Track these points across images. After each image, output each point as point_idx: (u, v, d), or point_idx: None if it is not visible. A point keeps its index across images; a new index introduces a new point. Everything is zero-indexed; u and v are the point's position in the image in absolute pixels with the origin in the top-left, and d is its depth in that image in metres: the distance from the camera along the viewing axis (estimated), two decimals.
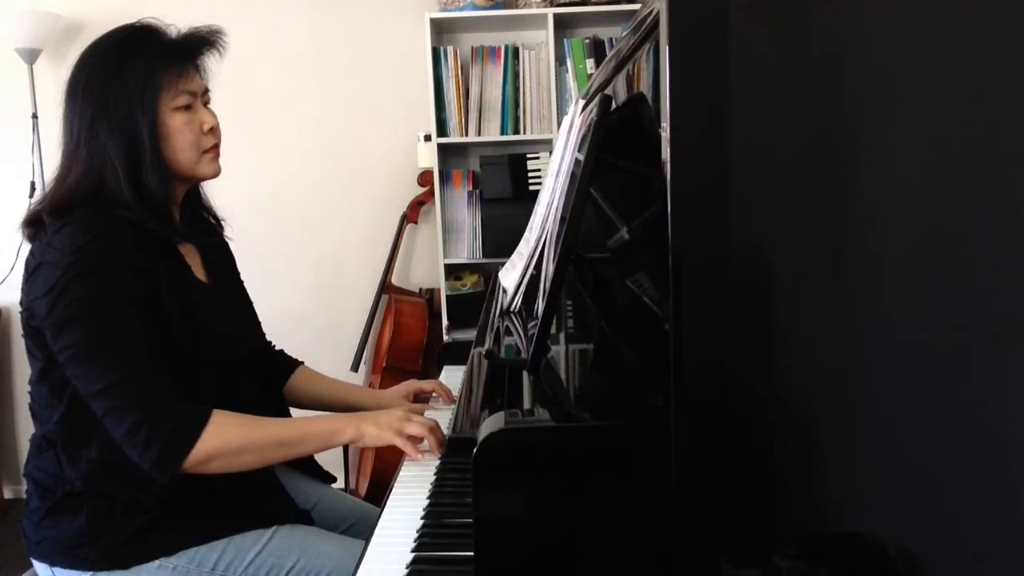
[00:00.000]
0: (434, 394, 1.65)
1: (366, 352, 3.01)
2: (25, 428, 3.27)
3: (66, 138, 1.27)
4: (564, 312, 1.36)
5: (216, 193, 1.46)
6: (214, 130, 1.32)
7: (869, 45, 0.55)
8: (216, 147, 1.33)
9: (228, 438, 1.18)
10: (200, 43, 1.32)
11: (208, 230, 1.44)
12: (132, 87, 1.24)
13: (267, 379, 1.53)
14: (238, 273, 1.52)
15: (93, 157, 1.23)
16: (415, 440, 1.26)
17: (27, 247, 1.26)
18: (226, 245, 1.50)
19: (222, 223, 1.48)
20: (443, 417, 1.55)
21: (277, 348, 1.63)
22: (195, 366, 1.25)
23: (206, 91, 1.34)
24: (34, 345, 1.23)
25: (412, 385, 1.64)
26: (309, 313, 3.23)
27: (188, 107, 1.28)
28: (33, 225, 1.26)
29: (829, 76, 0.61)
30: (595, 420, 0.80)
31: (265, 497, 1.32)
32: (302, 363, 1.63)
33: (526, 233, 1.37)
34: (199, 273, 1.35)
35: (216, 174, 1.34)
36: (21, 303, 1.23)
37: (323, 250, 3.26)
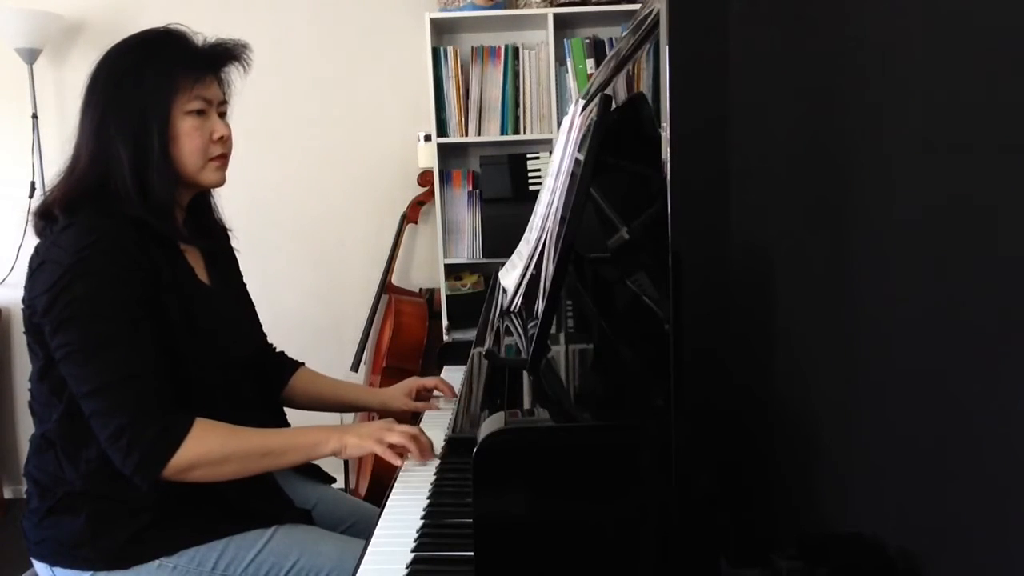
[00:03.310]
0: (436, 392, 1.65)
1: (366, 352, 3.01)
2: (25, 428, 3.27)
3: (79, 129, 1.28)
4: (564, 312, 1.36)
5: (216, 192, 1.46)
6: (224, 140, 1.32)
7: (869, 44, 0.55)
8: (224, 157, 1.34)
9: (210, 448, 1.18)
10: (224, 54, 1.34)
11: (213, 235, 1.44)
12: (148, 85, 1.25)
13: (266, 382, 1.53)
14: (241, 277, 1.53)
15: (101, 150, 1.24)
16: (397, 449, 1.26)
17: (28, 247, 1.27)
18: (230, 249, 1.50)
19: (229, 231, 1.49)
20: (444, 417, 1.55)
21: (278, 350, 1.63)
22: (194, 367, 1.26)
23: (224, 102, 1.35)
24: (35, 343, 1.23)
25: (415, 383, 1.64)
26: (309, 313, 3.23)
27: (201, 113, 1.29)
28: (44, 218, 1.26)
29: (829, 75, 0.61)
30: (595, 420, 0.80)
31: (262, 498, 1.32)
32: (303, 364, 1.63)
33: (526, 233, 1.37)
34: (201, 275, 1.36)
35: (220, 183, 1.35)
36: (23, 300, 1.23)
37: (323, 250, 3.26)
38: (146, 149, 1.24)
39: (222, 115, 1.35)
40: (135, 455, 1.14)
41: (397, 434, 1.25)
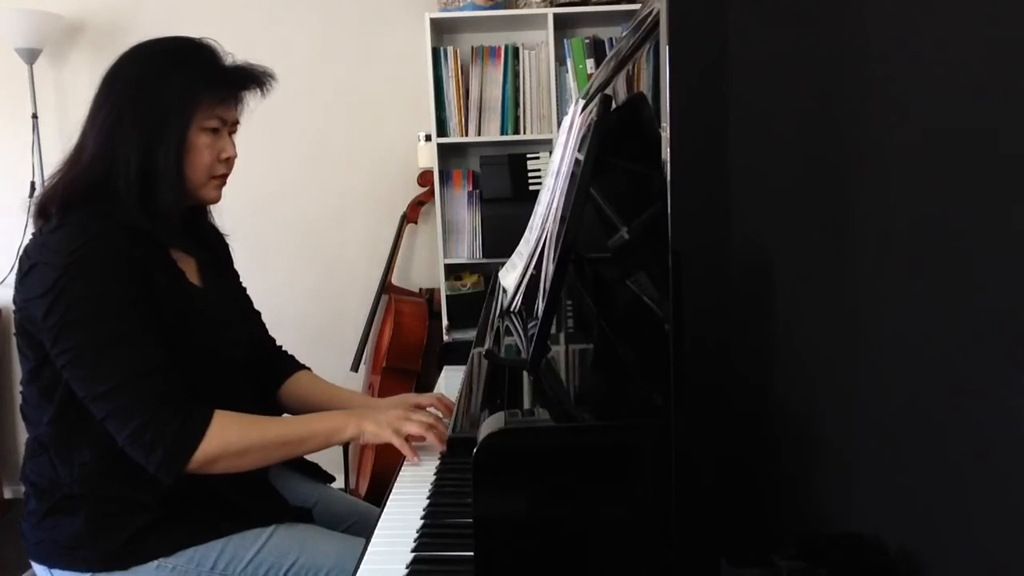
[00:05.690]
0: (431, 409, 1.60)
1: (366, 352, 3.01)
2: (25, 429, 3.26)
3: (88, 121, 1.27)
4: (564, 312, 1.36)
5: None
6: (229, 161, 1.34)
7: (870, 44, 0.55)
8: (225, 176, 1.35)
9: (232, 439, 1.19)
10: (249, 78, 1.35)
11: (209, 241, 1.44)
12: (172, 94, 1.25)
13: (262, 381, 1.52)
14: (236, 277, 1.52)
15: (110, 147, 1.23)
16: (413, 439, 1.26)
17: None
18: (226, 251, 1.50)
19: (224, 236, 1.49)
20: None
21: (284, 351, 1.61)
22: (189, 368, 1.25)
23: (236, 123, 1.36)
24: (25, 344, 1.22)
25: (411, 400, 1.52)
26: (309, 313, 3.23)
27: (215, 131, 1.30)
28: (43, 215, 1.25)
29: (829, 75, 0.61)
30: (595, 420, 0.80)
31: (256, 497, 1.32)
32: (306, 368, 1.60)
33: (526, 233, 1.37)
34: (192, 277, 1.34)
35: (216, 201, 1.36)
36: (14, 301, 1.22)
37: (323, 250, 3.26)
38: (157, 157, 1.24)
39: (231, 134, 1.35)
40: (159, 452, 1.14)
41: (415, 424, 1.26)
